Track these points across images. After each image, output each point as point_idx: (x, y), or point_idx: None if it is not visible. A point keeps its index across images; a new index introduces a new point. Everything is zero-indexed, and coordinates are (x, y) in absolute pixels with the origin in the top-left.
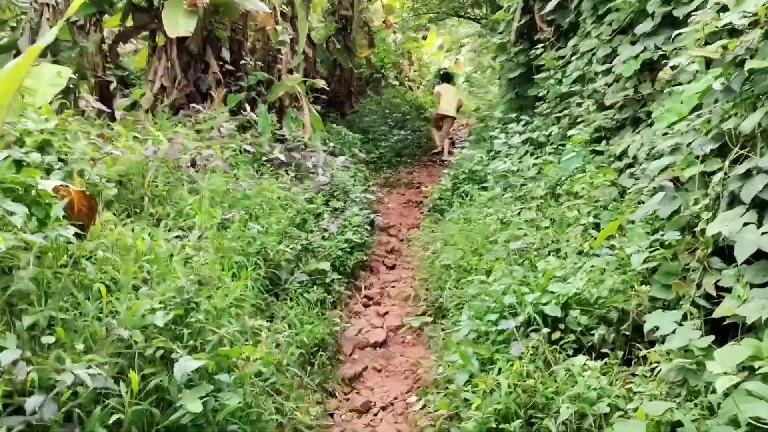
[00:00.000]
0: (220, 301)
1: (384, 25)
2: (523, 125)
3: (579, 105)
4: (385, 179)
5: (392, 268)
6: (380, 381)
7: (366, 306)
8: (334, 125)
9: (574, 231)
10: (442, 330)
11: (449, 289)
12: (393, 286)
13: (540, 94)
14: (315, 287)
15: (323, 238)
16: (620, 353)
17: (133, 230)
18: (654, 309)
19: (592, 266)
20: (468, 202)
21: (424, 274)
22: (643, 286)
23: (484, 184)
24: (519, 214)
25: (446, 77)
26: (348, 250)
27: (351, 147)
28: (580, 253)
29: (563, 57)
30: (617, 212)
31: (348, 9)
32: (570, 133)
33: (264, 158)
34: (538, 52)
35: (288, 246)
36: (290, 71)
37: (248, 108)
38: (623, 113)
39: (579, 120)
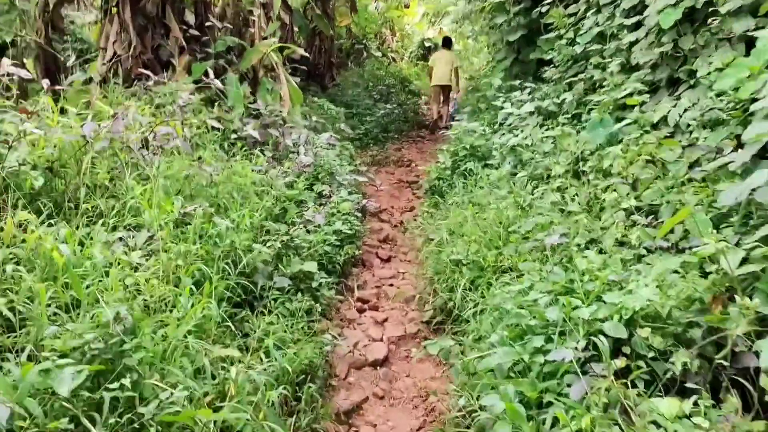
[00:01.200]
0: (173, 330)
1: None
2: (529, 93)
3: (599, 67)
4: (372, 157)
5: (387, 260)
6: (383, 413)
7: (361, 311)
8: (315, 99)
9: (613, 217)
10: (459, 346)
11: (462, 290)
12: (391, 284)
13: (548, 58)
14: (299, 294)
15: (308, 231)
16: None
17: (57, 234)
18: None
19: (658, 267)
20: (473, 183)
21: (428, 270)
22: (747, 298)
23: (490, 161)
24: (542, 197)
25: (445, 42)
26: (337, 243)
27: (335, 122)
28: (622, 244)
29: (575, 14)
30: (669, 193)
31: None
32: (589, 99)
33: (235, 136)
34: (544, 9)
35: (265, 244)
36: (264, 38)
37: (216, 78)
38: (658, 73)
39: (599, 84)
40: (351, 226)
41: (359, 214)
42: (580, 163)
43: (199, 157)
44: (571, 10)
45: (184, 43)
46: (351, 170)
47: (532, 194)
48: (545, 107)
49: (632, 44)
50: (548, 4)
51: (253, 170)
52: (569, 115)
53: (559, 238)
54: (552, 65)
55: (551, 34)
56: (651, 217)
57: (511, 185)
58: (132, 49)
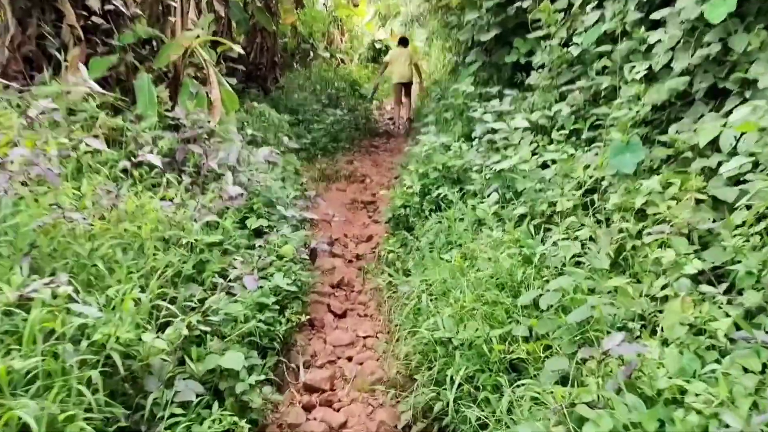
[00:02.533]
0: None
1: None
2: (511, 103)
3: (605, 73)
4: (321, 171)
5: (343, 316)
6: None
7: (308, 408)
8: (255, 104)
9: (672, 286)
10: None
11: (456, 389)
12: (349, 357)
13: (532, 61)
14: (216, 405)
15: (233, 296)
16: None
17: None
18: None
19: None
20: (453, 217)
21: (400, 344)
22: None
23: (468, 186)
24: (555, 246)
25: (402, 41)
26: (276, 308)
27: (277, 132)
28: (690, 326)
29: (568, 8)
30: (743, 250)
31: None
32: (593, 112)
33: (141, 156)
34: (526, 4)
35: (163, 329)
36: (189, 30)
37: (126, 78)
38: (696, 82)
39: (603, 95)
40: (296, 279)
41: (307, 256)
42: (595, 196)
43: (76, 193)
44: (560, 4)
45: (81, 33)
46: (296, 195)
47: (539, 238)
48: (534, 120)
49: (650, 46)
50: None
51: (160, 207)
52: (566, 131)
53: (625, 346)
54: (534, 69)
55: (537, 33)
56: (724, 286)
57: (505, 224)
58: (9, 39)
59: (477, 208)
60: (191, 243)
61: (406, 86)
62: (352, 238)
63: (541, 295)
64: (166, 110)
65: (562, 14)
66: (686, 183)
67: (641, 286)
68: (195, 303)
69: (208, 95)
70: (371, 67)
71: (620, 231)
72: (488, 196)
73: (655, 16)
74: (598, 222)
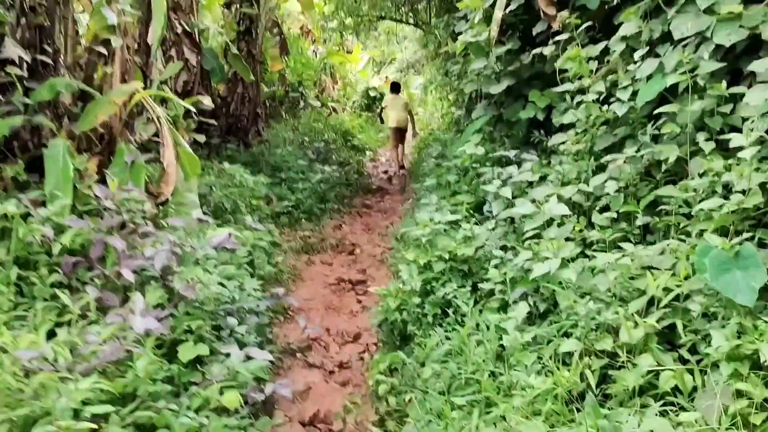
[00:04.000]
0: None
1: (301, 32)
2: (534, 171)
3: (663, 138)
4: (304, 240)
5: None
6: None
7: None
8: (226, 165)
9: None
10: None
11: None
12: None
13: (555, 119)
14: None
15: None
16: None
17: None
18: None
19: None
20: (467, 335)
21: None
22: None
23: (484, 284)
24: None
25: (394, 87)
26: None
27: (251, 198)
28: None
29: (603, 55)
30: None
31: (252, 4)
32: (660, 194)
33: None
34: (546, 51)
35: None
36: (145, 79)
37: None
38: None
39: (666, 168)
40: None
41: (262, 400)
42: (679, 324)
43: None
44: (593, 50)
45: None
46: (260, 293)
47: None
48: (567, 198)
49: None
50: (554, 42)
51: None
52: (611, 214)
53: None
54: (556, 128)
55: (566, 86)
56: None
57: (543, 363)
58: None
59: (500, 326)
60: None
61: (402, 132)
62: (336, 336)
63: None
64: (92, 184)
65: (595, 63)
66: None
67: None
68: None
69: (160, 161)
70: (365, 116)
71: (737, 395)
72: (513, 302)
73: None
74: (690, 371)
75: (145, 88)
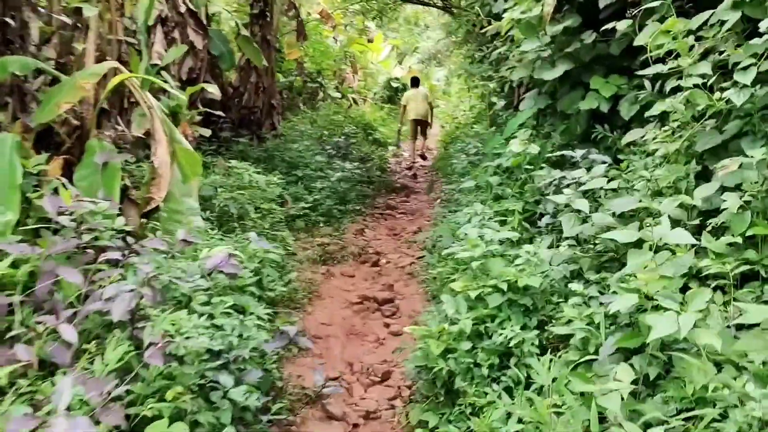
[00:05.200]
0: None
1: (320, 18)
2: (610, 174)
3: None
4: (323, 248)
5: None
6: None
7: None
8: (234, 162)
9: None
10: None
11: None
12: None
13: (622, 112)
14: None
15: None
16: None
17: None
18: None
19: None
20: (546, 410)
21: None
22: None
23: (556, 328)
24: None
25: (414, 82)
26: None
27: (263, 200)
28: None
29: (704, 28)
30: None
31: None
32: None
33: None
34: (621, 25)
35: None
36: (121, 62)
37: None
38: None
39: None
40: None
41: None
42: None
43: None
44: (686, 23)
45: None
46: (265, 338)
47: None
48: (661, 212)
49: None
50: (631, 15)
51: None
52: (734, 238)
53: None
54: (625, 123)
55: (654, 69)
56: None
57: None
58: None
59: (599, 400)
60: None
61: (422, 124)
62: (360, 374)
63: None
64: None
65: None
66: None
67: None
68: None
69: (151, 160)
70: (387, 108)
71: None
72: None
73: None
74: None
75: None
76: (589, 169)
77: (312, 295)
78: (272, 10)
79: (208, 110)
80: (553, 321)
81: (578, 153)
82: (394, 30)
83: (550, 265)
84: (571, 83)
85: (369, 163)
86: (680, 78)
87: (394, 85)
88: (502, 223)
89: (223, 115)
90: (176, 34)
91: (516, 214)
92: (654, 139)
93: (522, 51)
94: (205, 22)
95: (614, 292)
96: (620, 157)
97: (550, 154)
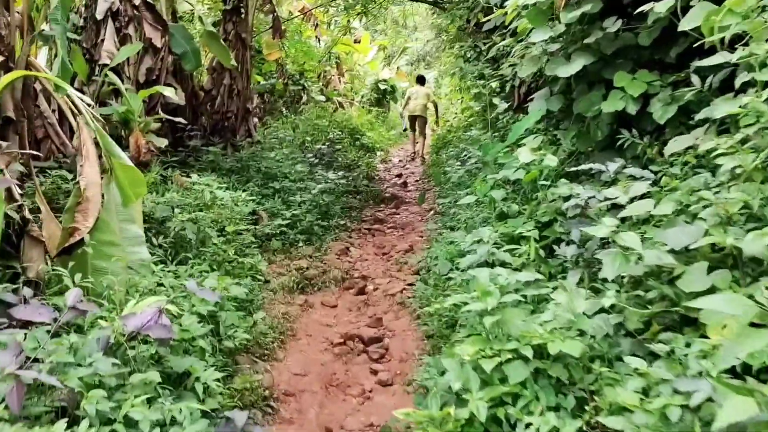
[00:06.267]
0: None
1: (300, 14)
2: (656, 196)
3: None
4: (300, 273)
5: None
6: None
7: None
8: (195, 176)
9: None
10: None
11: None
12: None
13: (667, 115)
14: None
15: None
16: None
17: None
18: None
19: None
20: None
21: None
22: None
23: (605, 418)
24: None
25: (420, 80)
26: None
27: (229, 221)
28: None
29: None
30: None
31: None
32: None
33: None
34: (661, 5)
35: None
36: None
37: None
38: None
39: None
40: None
41: None
42: None
43: None
44: None
45: None
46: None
47: None
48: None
49: None
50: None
51: None
52: None
53: None
54: (658, 128)
55: (717, 57)
56: None
57: None
58: None
59: None
60: None
61: (419, 120)
62: None
63: None
64: None
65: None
66: None
67: None
68: None
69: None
70: (375, 112)
71: None
72: None
73: None
74: None
75: (91, 76)
76: (609, 183)
77: (285, 335)
78: (247, 6)
79: (169, 117)
80: (596, 398)
81: (611, 166)
82: (382, 32)
83: (586, 316)
84: (587, 80)
85: (355, 171)
86: (750, 70)
87: (382, 87)
88: (511, 250)
89: (184, 122)
90: (131, 30)
91: (532, 243)
92: (714, 150)
93: (529, 44)
94: (166, 17)
95: (694, 374)
96: (653, 169)
97: (573, 168)
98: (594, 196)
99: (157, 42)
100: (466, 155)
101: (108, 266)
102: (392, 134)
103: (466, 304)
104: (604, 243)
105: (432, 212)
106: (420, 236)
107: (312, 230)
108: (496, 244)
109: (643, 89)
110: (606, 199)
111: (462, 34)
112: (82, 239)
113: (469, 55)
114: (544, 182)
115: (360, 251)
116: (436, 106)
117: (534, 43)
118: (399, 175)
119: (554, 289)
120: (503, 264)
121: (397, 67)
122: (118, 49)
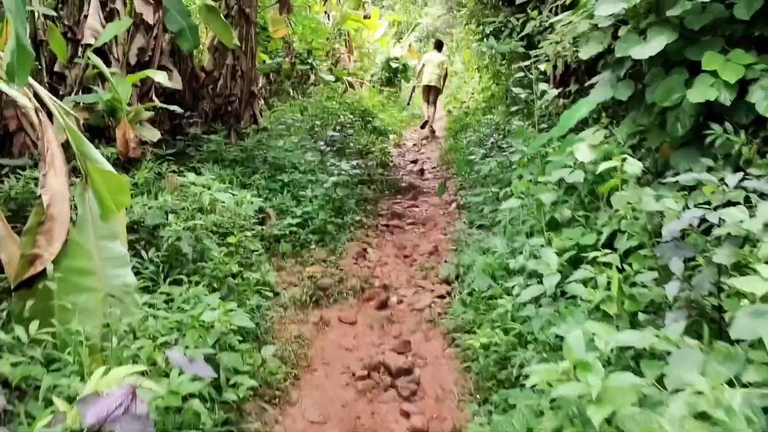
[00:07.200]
0: None
1: None
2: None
3: None
4: (313, 282)
5: None
6: None
7: None
8: (192, 175)
9: None
10: None
11: None
12: None
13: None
14: None
15: None
16: None
17: None
18: None
19: None
20: None
21: None
22: None
23: None
24: None
25: (438, 45)
26: None
27: (232, 227)
28: None
29: None
30: None
31: None
32: None
33: None
34: None
35: None
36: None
37: None
38: None
39: None
40: None
41: None
42: None
43: None
44: None
45: None
46: None
47: None
48: None
49: None
50: None
51: None
52: None
53: None
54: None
55: None
56: None
57: None
58: None
59: None
60: None
61: (433, 90)
62: None
63: None
64: None
65: None
66: None
67: None
68: None
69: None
70: (386, 92)
71: None
72: None
73: None
74: None
75: (73, 58)
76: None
77: (299, 367)
78: None
79: (162, 105)
80: None
81: (731, 179)
82: (389, 7)
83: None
84: (665, 63)
85: (368, 158)
86: None
87: (394, 65)
88: (584, 281)
89: (179, 109)
90: (118, 4)
91: (615, 274)
92: None
93: (598, 15)
94: None
95: None
96: (752, 172)
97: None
98: (704, 217)
99: (149, 18)
100: (509, 149)
101: (79, 301)
102: (404, 116)
103: (557, 380)
104: (719, 279)
105: (454, 205)
106: (443, 234)
107: (325, 229)
108: (560, 269)
109: (740, 74)
110: (721, 221)
111: (479, 9)
112: (44, 270)
113: (490, 31)
114: (623, 192)
115: (379, 253)
116: (446, 75)
117: (602, 17)
118: (414, 161)
119: (669, 353)
120: (573, 298)
121: (409, 44)
122: (104, 27)
